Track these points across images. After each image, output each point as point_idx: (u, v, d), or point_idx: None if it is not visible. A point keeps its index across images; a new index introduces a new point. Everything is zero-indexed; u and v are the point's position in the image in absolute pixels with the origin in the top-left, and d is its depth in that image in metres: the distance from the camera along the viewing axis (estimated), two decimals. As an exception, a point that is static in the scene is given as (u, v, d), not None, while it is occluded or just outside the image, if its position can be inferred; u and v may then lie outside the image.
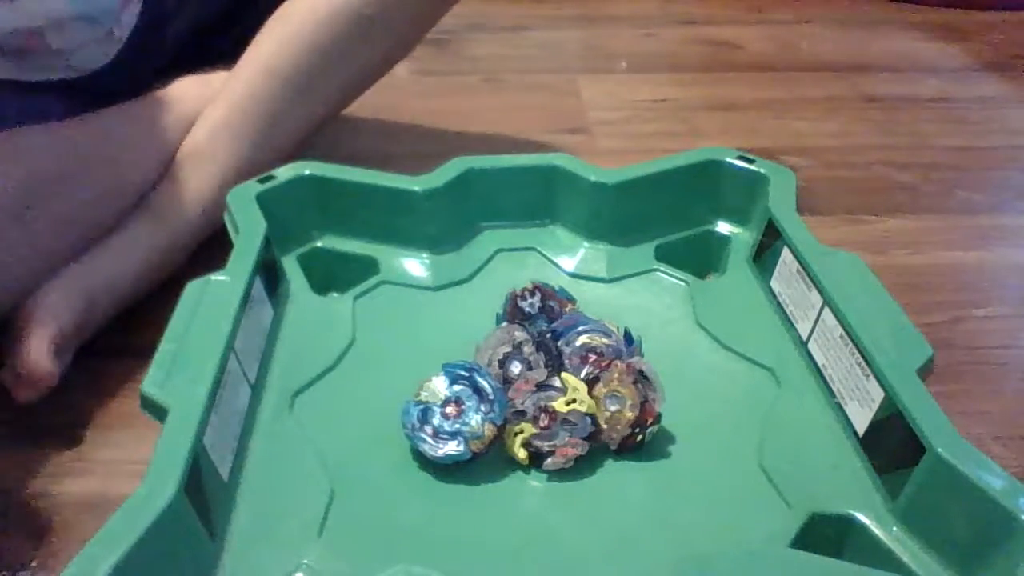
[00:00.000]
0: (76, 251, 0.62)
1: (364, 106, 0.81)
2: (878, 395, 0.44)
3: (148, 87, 0.72)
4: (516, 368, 0.50)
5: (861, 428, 0.46)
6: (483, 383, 0.47)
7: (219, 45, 0.79)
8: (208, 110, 0.71)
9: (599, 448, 0.48)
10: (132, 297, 0.64)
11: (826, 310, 0.51)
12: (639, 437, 0.47)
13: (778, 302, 0.57)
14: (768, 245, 0.60)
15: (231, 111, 0.70)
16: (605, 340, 0.51)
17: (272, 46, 0.72)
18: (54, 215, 0.60)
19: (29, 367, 0.54)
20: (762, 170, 0.63)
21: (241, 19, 0.79)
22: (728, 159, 0.64)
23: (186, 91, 0.73)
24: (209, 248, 0.68)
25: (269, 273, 0.57)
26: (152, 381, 0.43)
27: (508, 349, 0.51)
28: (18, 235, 0.58)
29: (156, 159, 0.68)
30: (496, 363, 0.51)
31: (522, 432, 0.47)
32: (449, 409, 0.47)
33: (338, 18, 0.72)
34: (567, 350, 0.51)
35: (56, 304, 0.57)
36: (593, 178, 0.63)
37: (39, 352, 0.54)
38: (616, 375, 0.48)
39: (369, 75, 0.77)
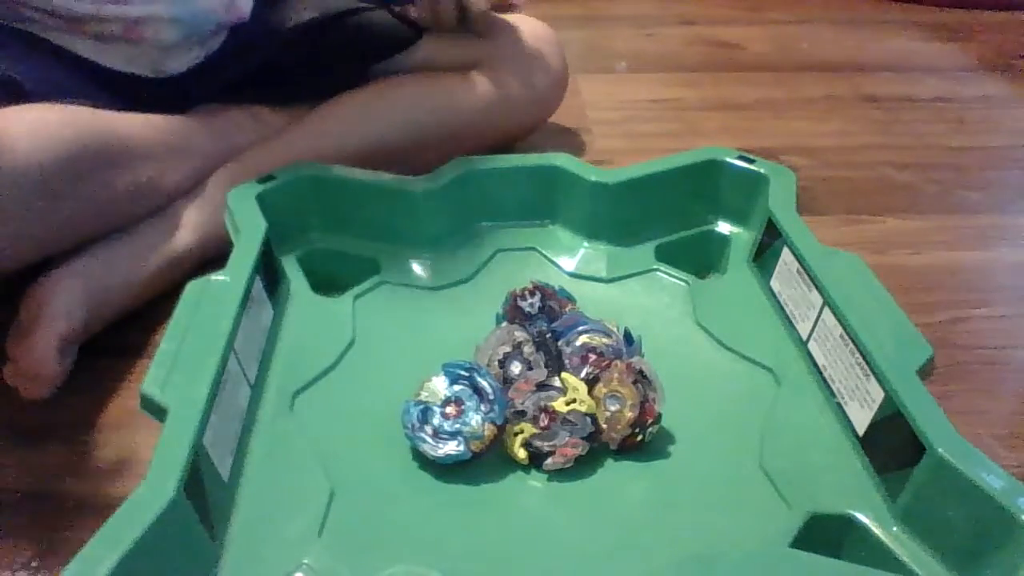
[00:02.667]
0: (95, 238, 0.62)
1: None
2: (878, 395, 0.44)
3: (201, 106, 0.74)
4: (516, 368, 0.50)
5: (861, 428, 0.46)
6: (483, 383, 0.48)
7: (275, 94, 0.81)
8: (261, 146, 0.73)
9: (599, 448, 0.48)
10: (141, 300, 0.64)
11: (826, 310, 0.51)
12: (639, 437, 0.47)
13: (778, 302, 0.57)
14: (768, 245, 0.60)
15: (285, 157, 0.71)
16: (605, 340, 0.51)
17: (345, 122, 0.76)
18: (89, 199, 0.60)
19: (35, 366, 0.54)
20: (762, 170, 0.63)
21: (306, 80, 0.81)
22: (728, 159, 0.64)
23: (238, 122, 0.75)
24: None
25: (269, 273, 0.57)
26: (152, 381, 0.43)
27: (508, 349, 0.51)
28: (52, 210, 0.58)
29: (193, 170, 0.69)
30: (496, 363, 0.51)
31: (522, 432, 0.47)
32: (449, 409, 0.47)
33: (409, 123, 0.77)
34: (567, 350, 0.51)
35: (67, 302, 0.57)
36: (593, 178, 0.63)
37: (46, 351, 0.55)
38: (616, 375, 0.48)
39: (417, 171, 0.81)
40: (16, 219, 0.55)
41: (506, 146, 0.87)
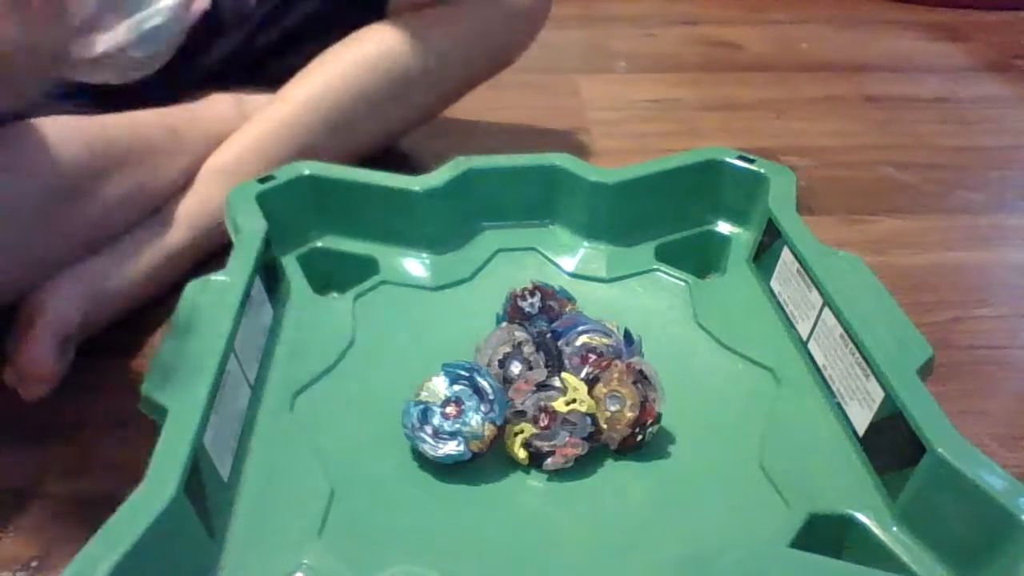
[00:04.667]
0: (93, 249, 0.62)
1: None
2: (878, 395, 0.44)
3: (181, 99, 0.73)
4: (516, 368, 0.50)
5: (861, 428, 0.46)
6: (483, 383, 0.48)
7: (258, 74, 0.80)
8: (242, 130, 0.73)
9: (599, 448, 0.48)
10: (138, 300, 0.64)
11: (826, 310, 0.51)
12: (639, 437, 0.47)
13: (778, 302, 0.57)
14: (768, 245, 0.60)
15: (265, 135, 0.71)
16: (605, 340, 0.51)
17: (317, 82, 0.74)
18: (83, 213, 0.60)
19: (33, 365, 0.54)
20: (762, 170, 0.63)
21: (284, 55, 0.80)
22: (728, 159, 0.64)
23: (220, 108, 0.75)
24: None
25: (269, 273, 0.57)
26: (152, 381, 0.43)
27: (508, 349, 0.51)
28: (48, 231, 0.58)
29: (182, 168, 0.69)
30: (496, 363, 0.51)
31: (522, 432, 0.47)
32: (449, 409, 0.47)
33: (385, 70, 0.75)
34: (567, 350, 0.51)
35: (64, 303, 0.57)
36: (593, 178, 0.63)
37: (44, 351, 0.55)
38: (616, 375, 0.48)
39: (407, 124, 0.79)
40: (17, 243, 0.55)
41: (502, 65, 0.84)
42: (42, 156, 0.58)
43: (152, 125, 0.68)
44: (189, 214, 0.67)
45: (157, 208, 0.67)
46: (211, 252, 0.68)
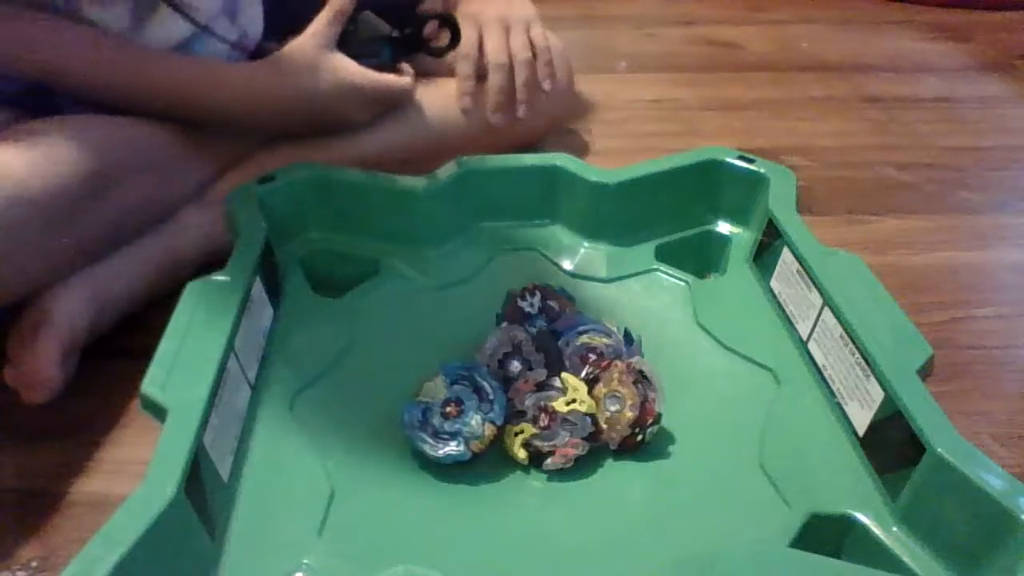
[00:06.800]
0: (103, 251, 0.62)
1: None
2: (878, 395, 0.44)
3: None
4: (516, 368, 0.50)
5: (861, 428, 0.46)
6: (483, 383, 0.48)
7: None
8: (267, 151, 0.73)
9: (599, 448, 0.48)
10: (143, 304, 0.64)
11: (826, 310, 0.51)
12: (639, 437, 0.47)
13: (778, 302, 0.57)
14: (768, 245, 0.60)
15: (290, 160, 0.71)
16: (605, 340, 0.51)
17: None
18: (103, 215, 0.60)
19: (37, 372, 0.54)
20: (762, 170, 0.63)
21: None
22: (728, 159, 0.64)
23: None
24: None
25: (269, 273, 0.57)
26: (152, 381, 0.43)
27: (508, 349, 0.51)
28: (66, 226, 0.58)
29: (200, 179, 0.69)
30: (496, 363, 0.51)
31: (522, 432, 0.47)
32: (449, 409, 0.47)
33: (414, 136, 0.77)
34: (567, 350, 0.51)
35: (71, 309, 0.57)
36: (593, 178, 0.63)
37: (48, 357, 0.55)
38: (616, 375, 0.48)
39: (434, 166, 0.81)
40: (33, 243, 0.55)
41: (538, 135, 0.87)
42: (68, 150, 0.57)
43: (175, 132, 0.68)
44: (202, 225, 0.67)
45: (169, 214, 0.67)
46: (217, 258, 0.68)
